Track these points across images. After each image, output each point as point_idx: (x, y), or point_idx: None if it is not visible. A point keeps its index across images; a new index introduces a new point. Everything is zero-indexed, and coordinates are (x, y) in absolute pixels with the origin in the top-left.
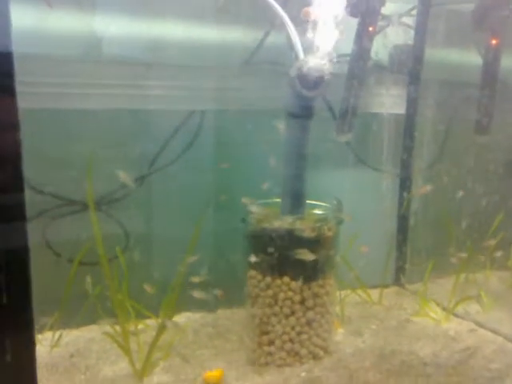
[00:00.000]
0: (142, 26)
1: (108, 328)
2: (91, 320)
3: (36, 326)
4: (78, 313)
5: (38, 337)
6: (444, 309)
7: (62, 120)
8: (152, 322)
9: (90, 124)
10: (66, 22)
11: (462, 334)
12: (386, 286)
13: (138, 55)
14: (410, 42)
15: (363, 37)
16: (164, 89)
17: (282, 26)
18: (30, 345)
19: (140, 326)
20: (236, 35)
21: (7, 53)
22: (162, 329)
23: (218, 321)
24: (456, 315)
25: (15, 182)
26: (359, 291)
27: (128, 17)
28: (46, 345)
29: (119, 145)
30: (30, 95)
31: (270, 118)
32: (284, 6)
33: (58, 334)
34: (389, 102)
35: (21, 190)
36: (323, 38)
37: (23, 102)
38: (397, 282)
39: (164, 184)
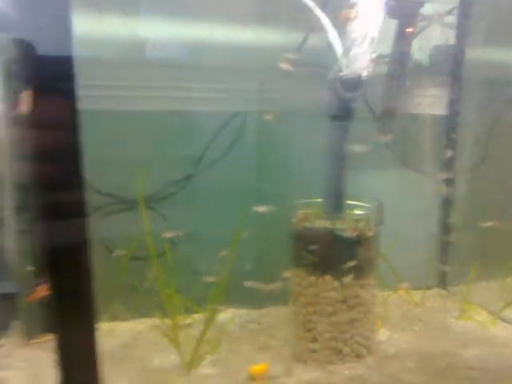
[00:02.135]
0: (186, 30)
1: (158, 321)
2: (142, 313)
3: None
4: (129, 306)
5: None
6: (490, 312)
7: (111, 121)
8: (200, 317)
9: (138, 125)
10: (114, 27)
11: (510, 338)
12: (429, 288)
13: (182, 58)
14: (451, 41)
15: (402, 38)
16: (208, 91)
17: (322, 28)
18: (93, 330)
19: (188, 320)
20: (276, 37)
21: (69, 57)
22: (209, 323)
23: (262, 317)
24: (502, 319)
25: (77, 181)
26: (401, 292)
27: (173, 21)
28: (100, 335)
29: (166, 145)
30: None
31: (311, 119)
32: (323, 8)
33: (111, 325)
34: (429, 102)
35: (82, 187)
36: (362, 39)
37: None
38: (439, 284)
39: (208, 183)
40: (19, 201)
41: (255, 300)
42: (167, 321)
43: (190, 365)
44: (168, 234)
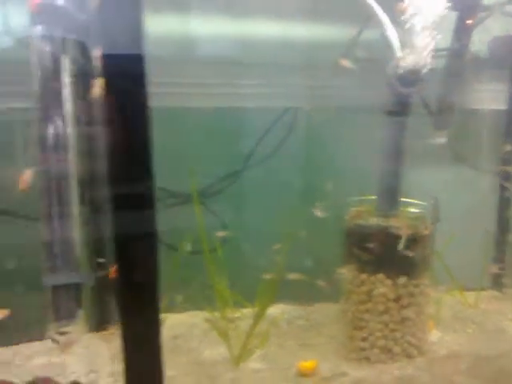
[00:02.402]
0: (238, 26)
1: (207, 314)
2: (193, 306)
3: None
4: (181, 299)
5: None
6: None
7: (165, 117)
8: (249, 311)
9: (189, 121)
10: (168, 25)
11: None
12: (483, 289)
13: (234, 54)
14: None
15: (462, 30)
16: (260, 87)
17: (378, 22)
18: (158, 321)
19: (237, 314)
20: (329, 32)
21: (141, 56)
22: (258, 317)
23: (311, 314)
24: None
25: (148, 175)
26: (455, 293)
27: (225, 17)
28: None
29: (218, 141)
30: None
31: (364, 115)
32: (380, 1)
33: (163, 316)
34: (488, 97)
35: (152, 181)
36: (420, 34)
37: None
38: (494, 285)
39: (258, 179)
40: (83, 194)
41: (304, 296)
42: (217, 314)
43: (238, 359)
44: (220, 234)
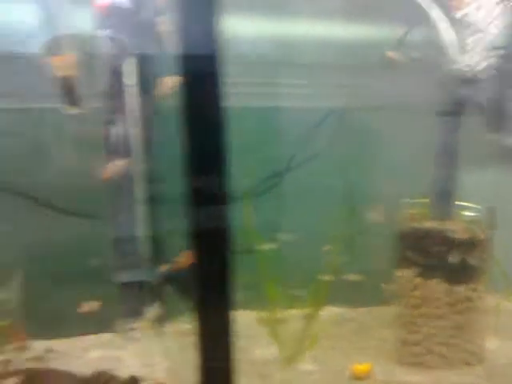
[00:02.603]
0: (284, 27)
1: (260, 314)
2: (244, 305)
3: None
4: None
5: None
6: None
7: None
8: (298, 312)
9: (239, 120)
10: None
11: None
12: None
13: (279, 54)
14: None
15: None
16: (304, 87)
17: (430, 19)
18: (231, 316)
19: (287, 315)
20: (375, 32)
21: (215, 56)
22: (311, 318)
23: (360, 316)
24: None
25: (223, 172)
26: None
27: (269, 18)
28: None
29: (263, 141)
30: None
31: (415, 115)
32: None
33: None
34: None
35: (227, 178)
36: (476, 32)
37: None
38: None
39: (304, 179)
40: (148, 192)
41: (354, 299)
42: (268, 314)
43: (290, 359)
44: (283, 237)
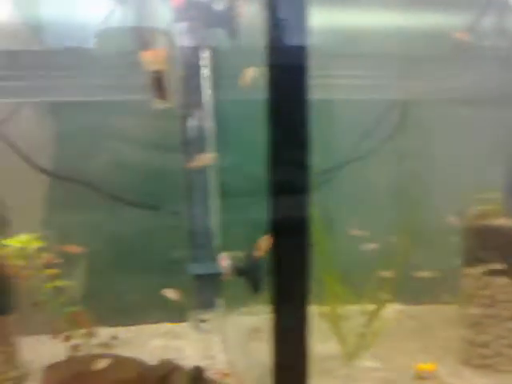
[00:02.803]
0: (344, 17)
1: (321, 309)
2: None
3: None
4: None
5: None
6: None
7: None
8: (360, 308)
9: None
10: None
11: None
12: None
13: (339, 45)
14: None
15: None
16: (365, 79)
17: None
18: (307, 310)
19: (349, 311)
20: (444, 21)
21: (303, 48)
22: (374, 315)
23: (422, 315)
24: None
25: (306, 164)
26: None
27: (328, 9)
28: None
29: (322, 133)
30: None
31: (489, 107)
32: None
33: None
34: None
35: (308, 169)
36: None
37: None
38: None
39: (363, 173)
40: (223, 184)
41: (415, 296)
42: (329, 309)
43: (351, 355)
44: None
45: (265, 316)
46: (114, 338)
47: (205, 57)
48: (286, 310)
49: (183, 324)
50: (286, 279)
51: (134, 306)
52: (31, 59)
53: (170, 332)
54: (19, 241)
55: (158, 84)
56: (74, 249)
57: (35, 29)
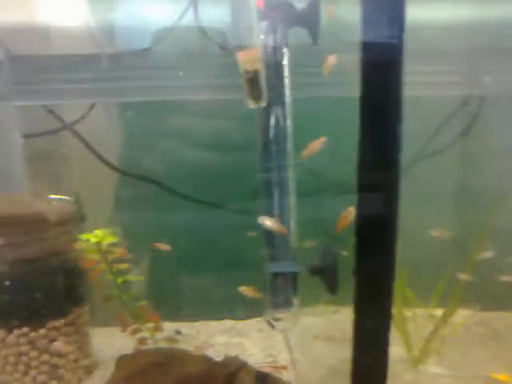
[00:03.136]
0: (418, 11)
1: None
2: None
3: None
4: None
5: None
6: None
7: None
8: (426, 312)
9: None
10: None
11: None
12: None
13: (413, 41)
14: None
15: None
16: (437, 74)
17: None
18: (390, 309)
19: (415, 314)
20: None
21: (399, 44)
22: (444, 319)
23: (490, 322)
24: None
25: (397, 164)
26: None
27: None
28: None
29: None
30: None
31: None
32: None
33: (333, 308)
34: None
35: (399, 169)
36: None
37: None
38: None
39: (432, 172)
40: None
41: (483, 302)
42: (395, 311)
43: (417, 360)
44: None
45: (331, 317)
46: (178, 332)
47: (285, 56)
48: (370, 310)
49: (247, 321)
50: (371, 279)
51: (199, 302)
52: (106, 62)
53: (233, 329)
54: (95, 235)
55: (253, 83)
56: (164, 246)
57: (109, 32)
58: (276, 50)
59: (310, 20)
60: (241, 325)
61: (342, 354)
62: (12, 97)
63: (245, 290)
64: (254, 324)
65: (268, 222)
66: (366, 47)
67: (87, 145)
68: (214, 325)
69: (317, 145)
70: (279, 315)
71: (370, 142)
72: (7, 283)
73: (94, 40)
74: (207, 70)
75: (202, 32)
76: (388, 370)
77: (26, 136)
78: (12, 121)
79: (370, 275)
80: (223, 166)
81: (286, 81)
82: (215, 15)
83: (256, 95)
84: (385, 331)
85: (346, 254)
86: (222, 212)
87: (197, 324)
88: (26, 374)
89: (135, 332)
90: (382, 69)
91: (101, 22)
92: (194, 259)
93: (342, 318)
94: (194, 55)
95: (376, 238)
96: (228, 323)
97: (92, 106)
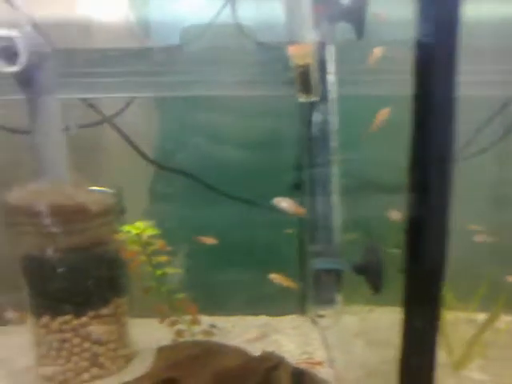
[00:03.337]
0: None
1: None
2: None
3: None
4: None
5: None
6: None
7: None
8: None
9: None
10: None
11: None
12: None
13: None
14: None
15: None
16: (478, 74)
17: None
18: (439, 311)
19: (454, 318)
20: None
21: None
22: (488, 324)
23: None
24: None
25: (450, 164)
26: None
27: None
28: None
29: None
30: None
31: None
32: None
33: (367, 308)
34: None
35: (452, 169)
36: None
37: None
38: None
39: (470, 174)
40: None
41: None
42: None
43: (458, 365)
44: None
45: (367, 316)
46: (213, 326)
47: (330, 51)
48: (418, 311)
49: (283, 318)
50: (421, 279)
51: (235, 297)
52: (144, 56)
53: (269, 325)
54: (136, 227)
55: (304, 78)
56: (210, 240)
57: (146, 27)
58: (320, 46)
59: (355, 15)
60: (276, 321)
61: (382, 354)
62: (56, 90)
63: (275, 278)
64: (290, 321)
65: (283, 204)
66: (419, 46)
67: (126, 138)
68: (249, 320)
69: (383, 115)
70: (322, 312)
71: (424, 140)
72: (61, 270)
73: (133, 35)
74: (243, 66)
75: (239, 28)
76: (435, 373)
77: (67, 129)
78: (57, 114)
79: (419, 275)
80: (259, 162)
81: (332, 77)
82: (253, 11)
83: (307, 89)
84: (433, 332)
85: (396, 251)
86: (259, 209)
87: (232, 318)
88: (68, 360)
89: (173, 324)
90: (437, 66)
91: (139, 17)
92: (230, 254)
93: (377, 318)
94: (230, 51)
95: (427, 237)
96: (264, 319)
97: (130, 100)
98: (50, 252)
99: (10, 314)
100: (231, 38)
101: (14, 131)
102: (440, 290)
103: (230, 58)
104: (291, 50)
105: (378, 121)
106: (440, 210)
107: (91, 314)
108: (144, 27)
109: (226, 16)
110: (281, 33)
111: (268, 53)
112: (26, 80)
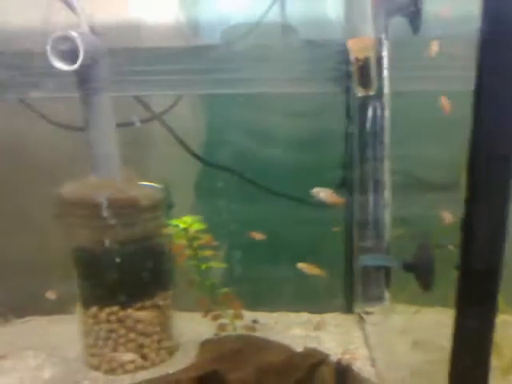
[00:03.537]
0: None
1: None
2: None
3: None
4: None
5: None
6: None
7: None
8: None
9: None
10: None
11: None
12: None
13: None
14: None
15: None
16: None
17: None
18: (494, 313)
19: (501, 320)
20: None
21: None
22: None
23: None
24: None
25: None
26: None
27: None
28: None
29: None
30: None
31: None
32: None
33: (413, 309)
34: None
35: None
36: None
37: None
38: None
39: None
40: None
41: None
42: None
43: (508, 369)
44: None
45: (412, 317)
46: (255, 322)
47: (384, 46)
48: (473, 312)
49: (325, 315)
50: (477, 278)
51: (279, 293)
52: (193, 55)
53: (310, 322)
54: (183, 221)
55: (363, 71)
56: (258, 235)
57: (196, 27)
58: (379, 41)
59: (412, 10)
60: (318, 318)
61: (427, 355)
62: (109, 88)
63: (304, 267)
64: (332, 318)
65: (322, 194)
66: (484, 44)
67: (174, 135)
68: (291, 316)
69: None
70: (370, 309)
71: (486, 138)
72: (112, 262)
73: (183, 34)
74: (291, 63)
75: (287, 26)
76: (489, 374)
77: (119, 125)
78: (110, 111)
79: (475, 274)
80: (305, 160)
81: (386, 72)
82: (301, 9)
83: (365, 83)
84: (488, 333)
85: (452, 248)
86: (305, 206)
87: (275, 315)
88: (115, 349)
89: (216, 318)
90: (503, 62)
91: (188, 17)
92: (276, 251)
93: (422, 318)
94: (277, 49)
95: (485, 235)
96: (305, 316)
97: (179, 98)
98: (101, 244)
99: (52, 295)
100: (278, 36)
101: (70, 128)
102: (497, 289)
103: (278, 55)
104: (351, 44)
105: (446, 105)
106: (498, 209)
107: (137, 305)
108: (193, 27)
109: (274, 14)
110: (329, 30)
111: (316, 50)
112: (82, 78)
